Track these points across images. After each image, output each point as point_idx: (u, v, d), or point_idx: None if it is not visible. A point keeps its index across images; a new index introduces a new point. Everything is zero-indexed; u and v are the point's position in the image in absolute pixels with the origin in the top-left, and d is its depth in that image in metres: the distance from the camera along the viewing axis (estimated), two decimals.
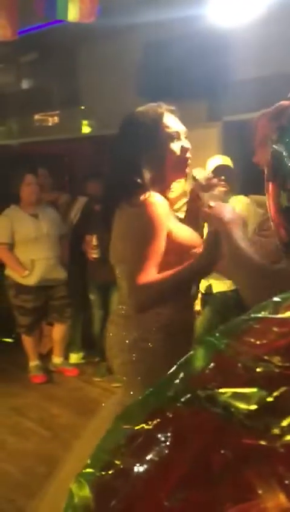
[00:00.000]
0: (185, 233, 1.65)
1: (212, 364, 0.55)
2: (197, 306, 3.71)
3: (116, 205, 1.62)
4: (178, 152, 1.65)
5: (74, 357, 4.61)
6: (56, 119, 5.50)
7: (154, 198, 1.54)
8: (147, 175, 1.58)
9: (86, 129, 5.35)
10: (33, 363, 4.34)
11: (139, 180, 1.57)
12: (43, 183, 4.39)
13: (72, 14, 2.76)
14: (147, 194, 1.54)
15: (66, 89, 5.23)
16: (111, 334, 1.72)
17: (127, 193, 1.57)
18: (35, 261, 4.11)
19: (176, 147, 1.65)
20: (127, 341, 1.63)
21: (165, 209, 1.56)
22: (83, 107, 5.25)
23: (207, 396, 0.52)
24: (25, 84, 5.69)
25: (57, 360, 4.47)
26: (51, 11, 2.84)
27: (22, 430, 3.39)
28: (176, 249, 1.55)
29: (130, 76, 4.56)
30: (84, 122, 5.32)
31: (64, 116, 5.46)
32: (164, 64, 4.21)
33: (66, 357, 4.55)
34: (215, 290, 3.30)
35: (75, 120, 5.35)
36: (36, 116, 5.48)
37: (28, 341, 4.33)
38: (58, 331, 4.39)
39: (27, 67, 5.54)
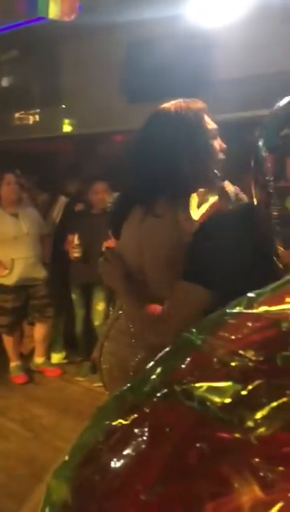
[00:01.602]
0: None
1: (188, 360, 0.56)
2: None
3: (150, 208, 1.43)
4: (219, 150, 1.49)
5: (56, 357, 4.59)
6: (36, 117, 5.47)
7: (182, 213, 1.42)
8: (190, 177, 1.43)
9: (66, 128, 5.33)
10: (14, 363, 4.32)
11: (182, 183, 1.42)
12: (23, 183, 4.37)
13: (53, 11, 2.74)
14: (174, 204, 1.41)
15: (47, 88, 5.21)
16: (110, 353, 1.54)
17: (169, 197, 1.41)
18: (14, 260, 4.09)
19: (216, 144, 1.49)
20: (132, 363, 1.46)
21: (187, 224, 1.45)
22: (63, 106, 5.23)
23: (183, 391, 0.53)
24: (4, 82, 5.64)
25: (38, 360, 4.45)
26: (32, 8, 2.83)
27: (3, 430, 3.37)
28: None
29: (111, 76, 4.56)
30: (65, 121, 5.30)
31: (45, 115, 5.43)
32: (145, 64, 4.22)
33: (48, 357, 4.53)
34: None
35: (56, 119, 5.32)
36: (16, 115, 5.44)
37: (8, 341, 4.30)
38: (39, 331, 4.37)
39: (7, 65, 5.49)
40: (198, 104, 1.49)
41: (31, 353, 4.50)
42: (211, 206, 1.56)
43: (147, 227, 1.45)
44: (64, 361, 4.57)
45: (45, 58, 5.11)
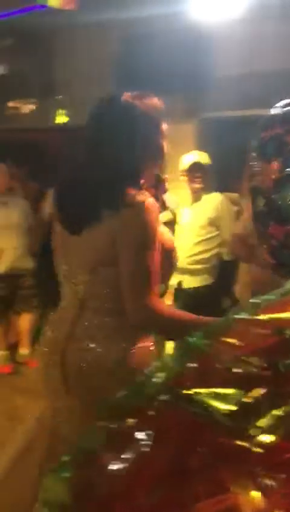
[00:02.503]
0: (167, 237, 1.59)
1: (191, 364, 0.56)
2: (169, 301, 3.74)
3: (104, 204, 1.41)
4: (166, 150, 1.54)
5: None
6: (31, 107, 5.41)
7: (150, 199, 1.40)
8: (142, 172, 1.46)
9: (61, 119, 5.28)
10: (0, 352, 4.29)
11: (133, 178, 1.42)
12: (14, 173, 4.33)
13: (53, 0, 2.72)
14: (142, 193, 1.40)
15: (43, 78, 5.15)
16: (81, 351, 1.49)
17: (119, 192, 1.39)
18: (3, 249, 4.06)
19: (165, 144, 1.54)
20: (112, 356, 1.46)
21: (157, 211, 1.44)
22: (58, 97, 5.18)
23: (186, 396, 0.53)
24: (0, 70, 5.57)
25: (23, 351, 4.42)
26: None
27: None
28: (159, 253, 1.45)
29: (107, 68, 4.52)
30: (60, 111, 5.25)
31: (40, 105, 5.37)
32: (143, 58, 4.19)
33: (33, 349, 4.51)
34: (186, 285, 3.33)
35: (51, 109, 5.27)
36: (10, 104, 5.37)
37: None
38: (24, 321, 4.35)
39: (2, 53, 5.42)
40: (159, 102, 1.53)
41: (16, 344, 4.48)
42: None
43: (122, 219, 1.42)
44: None
45: (41, 48, 5.06)
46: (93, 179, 1.44)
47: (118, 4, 3.67)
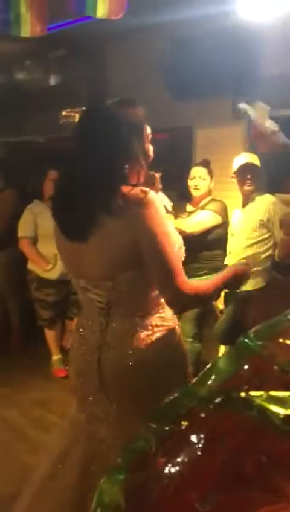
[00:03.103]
0: (172, 230, 1.62)
1: (246, 366, 0.54)
2: (220, 304, 3.69)
3: (103, 210, 1.43)
4: (152, 154, 1.61)
5: None
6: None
7: (151, 192, 1.45)
8: (131, 175, 1.50)
9: None
10: (55, 356, 4.38)
11: (123, 181, 1.46)
12: None
13: (101, 10, 2.75)
14: (140, 189, 1.44)
15: (94, 86, 5.24)
16: (126, 360, 1.52)
17: (114, 195, 1.42)
18: (57, 255, 4.13)
19: (150, 147, 1.61)
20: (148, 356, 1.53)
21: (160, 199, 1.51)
22: None
23: (242, 399, 0.51)
24: (52, 81, 5.72)
25: None
26: (80, 7, 2.84)
27: (44, 423, 3.42)
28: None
29: (157, 74, 4.54)
30: None
31: None
32: (191, 62, 4.17)
33: None
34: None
35: None
36: (63, 113, 5.50)
37: (49, 335, 4.36)
38: None
39: (55, 64, 5.56)
40: (140, 110, 1.58)
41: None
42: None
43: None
44: None
45: (91, 56, 5.14)
46: (85, 186, 1.45)
47: (165, 7, 3.68)
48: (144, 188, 1.45)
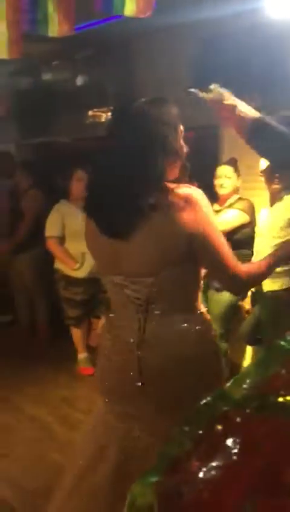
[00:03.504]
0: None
1: (284, 370, 0.53)
2: (247, 304, 3.65)
3: (149, 205, 1.44)
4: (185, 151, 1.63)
5: None
6: (110, 115, 5.54)
7: (200, 191, 1.51)
8: (167, 172, 1.52)
9: None
10: (82, 355, 4.41)
11: (161, 178, 1.48)
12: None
13: (129, 9, 2.75)
14: (191, 188, 1.49)
15: (121, 86, 5.25)
16: (166, 358, 1.54)
17: (159, 190, 1.46)
18: (85, 254, 4.16)
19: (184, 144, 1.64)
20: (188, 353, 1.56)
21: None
22: None
23: (279, 403, 0.50)
24: (80, 81, 5.75)
25: None
26: (107, 6, 2.85)
27: (70, 420, 3.45)
28: None
29: (185, 73, 4.52)
30: None
31: None
32: (219, 60, 4.13)
33: None
34: (266, 288, 3.23)
35: None
36: (90, 113, 5.53)
37: (76, 333, 4.40)
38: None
39: (82, 64, 5.58)
40: (174, 108, 1.59)
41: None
42: None
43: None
44: None
45: (119, 56, 5.15)
46: (127, 184, 1.46)
47: (192, 5, 3.66)
48: (189, 185, 1.50)
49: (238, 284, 1.59)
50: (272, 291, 3.21)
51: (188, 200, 1.44)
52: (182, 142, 1.61)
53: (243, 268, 1.55)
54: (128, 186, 1.45)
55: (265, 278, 1.76)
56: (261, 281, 1.73)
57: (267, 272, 1.68)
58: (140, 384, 1.57)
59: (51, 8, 2.94)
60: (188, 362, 1.54)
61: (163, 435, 1.32)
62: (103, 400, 1.74)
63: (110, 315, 1.69)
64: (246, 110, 1.73)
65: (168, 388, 1.55)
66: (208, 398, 0.57)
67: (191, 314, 1.58)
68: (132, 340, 1.58)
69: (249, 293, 3.34)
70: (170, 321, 1.54)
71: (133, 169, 1.45)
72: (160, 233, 1.46)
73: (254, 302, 3.43)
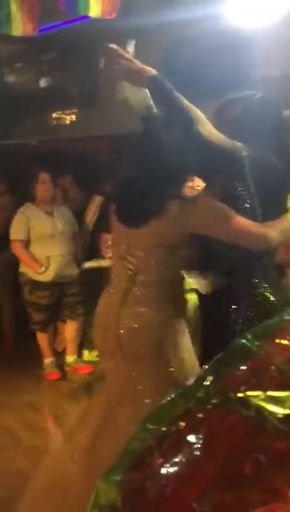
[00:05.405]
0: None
1: (244, 367, 0.54)
2: None
3: (169, 197, 1.69)
4: None
5: (88, 354, 4.61)
6: (73, 117, 5.50)
7: None
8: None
9: (103, 128, 5.35)
10: (48, 360, 4.36)
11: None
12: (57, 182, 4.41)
13: (94, 10, 2.75)
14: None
15: (85, 88, 5.23)
16: (132, 315, 1.75)
17: (179, 187, 1.74)
18: (50, 257, 4.12)
19: None
20: (158, 318, 1.73)
21: None
22: (100, 107, 5.25)
23: (239, 399, 0.51)
24: (43, 83, 5.70)
25: (69, 358, 4.47)
26: (72, 6, 2.84)
27: (35, 426, 3.40)
28: None
29: None
30: (102, 121, 5.32)
31: (82, 115, 5.45)
32: (183, 64, 4.18)
33: (80, 354, 4.55)
34: None
35: (93, 119, 5.35)
36: (54, 115, 5.49)
37: (42, 338, 4.34)
38: (70, 329, 4.39)
39: (46, 66, 5.54)
40: None
41: (64, 351, 4.53)
42: None
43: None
44: (97, 358, 4.57)
45: (83, 59, 5.13)
46: (150, 179, 1.70)
47: (157, 9, 3.69)
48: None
49: (268, 244, 1.70)
50: None
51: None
52: None
53: (266, 229, 1.67)
54: (156, 182, 1.68)
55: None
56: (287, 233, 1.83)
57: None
58: (115, 340, 1.77)
59: (14, 7, 2.91)
60: (156, 326, 1.72)
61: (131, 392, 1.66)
62: None
63: (110, 281, 1.92)
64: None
65: (140, 348, 1.73)
66: (171, 396, 0.58)
67: (167, 289, 1.76)
68: (116, 301, 1.80)
69: None
70: (148, 292, 1.76)
71: (165, 165, 1.68)
72: (174, 223, 1.68)
73: None
